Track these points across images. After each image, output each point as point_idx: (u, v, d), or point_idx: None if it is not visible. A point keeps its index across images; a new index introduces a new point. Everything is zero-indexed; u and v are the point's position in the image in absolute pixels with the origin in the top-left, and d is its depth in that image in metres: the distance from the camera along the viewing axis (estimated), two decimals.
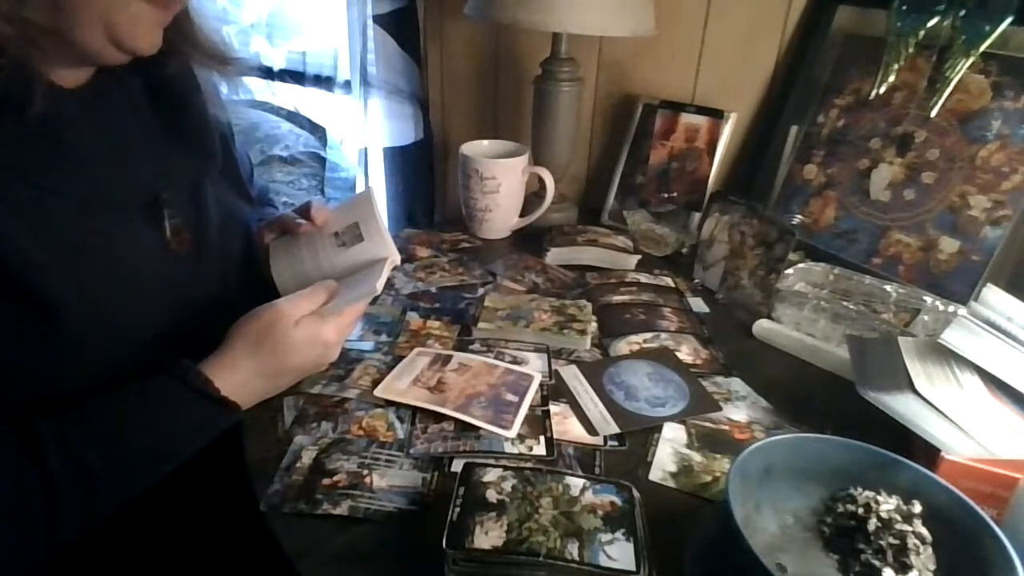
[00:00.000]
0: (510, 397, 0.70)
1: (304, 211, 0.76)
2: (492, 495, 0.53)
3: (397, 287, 0.94)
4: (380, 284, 0.66)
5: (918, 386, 0.62)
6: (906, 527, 0.46)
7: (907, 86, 0.95)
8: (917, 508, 0.48)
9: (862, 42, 0.99)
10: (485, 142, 1.15)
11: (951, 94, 0.90)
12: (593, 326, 0.86)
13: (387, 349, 0.80)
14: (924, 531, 0.47)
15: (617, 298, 0.93)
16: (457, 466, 0.61)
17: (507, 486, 0.54)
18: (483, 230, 1.13)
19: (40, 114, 0.53)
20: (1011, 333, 0.65)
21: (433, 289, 0.95)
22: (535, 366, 0.77)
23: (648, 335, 0.84)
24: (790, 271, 0.91)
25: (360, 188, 1.55)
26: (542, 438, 0.66)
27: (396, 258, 0.72)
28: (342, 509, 0.57)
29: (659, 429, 0.68)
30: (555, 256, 1.04)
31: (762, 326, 0.86)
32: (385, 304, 0.90)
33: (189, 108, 0.69)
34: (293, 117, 1.76)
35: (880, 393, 0.64)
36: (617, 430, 0.67)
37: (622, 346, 0.82)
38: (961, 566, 0.46)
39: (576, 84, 1.11)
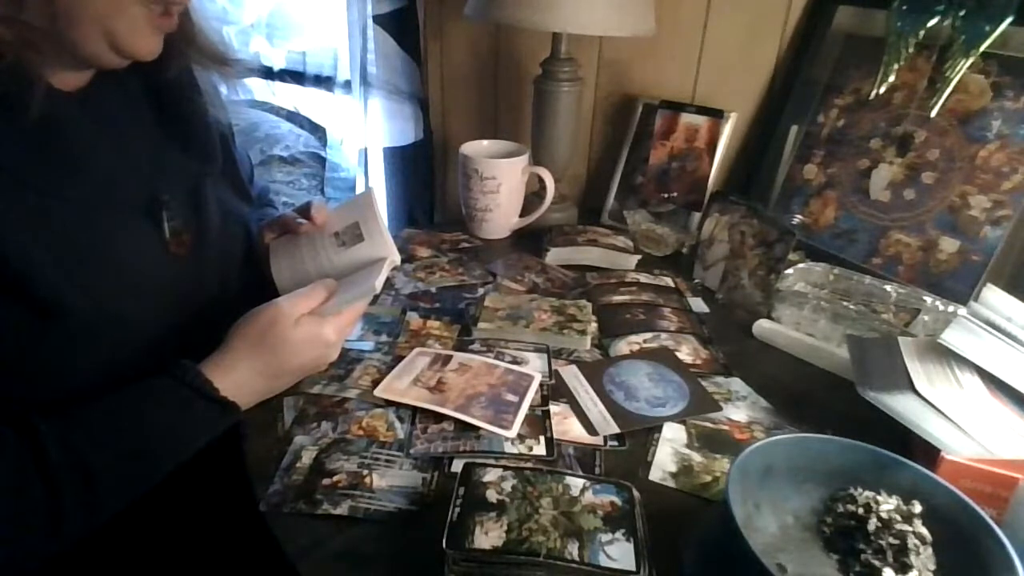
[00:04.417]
0: (510, 397, 0.70)
1: (304, 211, 0.76)
2: (492, 495, 0.53)
3: (397, 287, 0.94)
4: (379, 284, 0.66)
5: (918, 386, 0.62)
6: (906, 527, 0.46)
7: (907, 86, 0.95)
8: (917, 508, 0.48)
9: (862, 42, 0.99)
10: (485, 142, 1.15)
11: (951, 94, 0.90)
12: (593, 326, 0.86)
13: (387, 349, 0.80)
14: (924, 531, 0.47)
15: (617, 298, 0.93)
16: (457, 466, 0.61)
17: (507, 486, 0.54)
18: (483, 230, 1.13)
19: (40, 117, 0.53)
20: (1011, 333, 0.65)
21: (433, 289, 0.95)
22: (535, 366, 0.77)
23: (648, 335, 0.84)
24: (790, 271, 0.91)
25: (360, 188, 1.55)
26: (542, 438, 0.66)
27: (396, 258, 0.72)
28: (342, 509, 0.57)
29: (659, 429, 0.68)
30: (555, 256, 1.04)
31: (762, 326, 0.86)
32: (385, 304, 0.90)
33: (189, 109, 0.69)
34: (293, 117, 1.76)
35: (880, 393, 0.64)
36: (617, 430, 0.67)
37: (622, 346, 0.82)
38: (961, 566, 0.46)
39: (576, 84, 1.11)
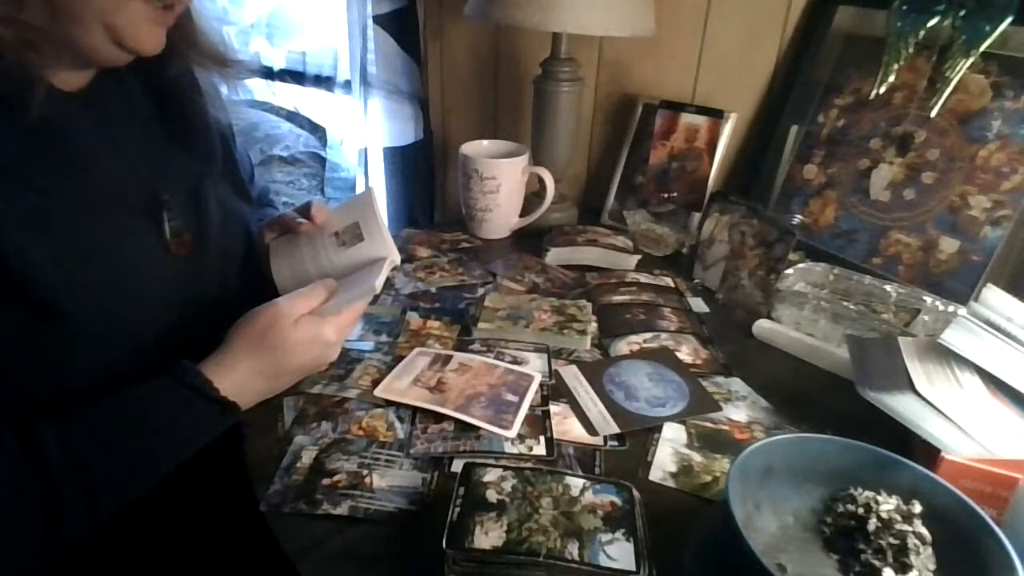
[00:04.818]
0: (510, 397, 0.70)
1: (305, 211, 0.76)
2: (492, 495, 0.53)
3: (397, 287, 0.94)
4: (379, 283, 0.66)
5: (918, 386, 0.62)
6: (906, 527, 0.46)
7: (907, 86, 0.95)
8: (917, 508, 0.48)
9: (862, 42, 0.99)
10: (485, 142, 1.15)
11: (951, 94, 0.90)
12: (593, 326, 0.86)
13: (387, 349, 0.80)
14: (924, 531, 0.47)
15: (617, 298, 0.93)
16: (457, 466, 0.61)
17: (507, 486, 0.54)
18: (483, 230, 1.13)
19: (40, 117, 0.53)
20: (1011, 333, 0.65)
21: (433, 289, 0.95)
22: (535, 366, 0.77)
23: (648, 335, 0.84)
24: (790, 271, 0.91)
25: (360, 188, 1.55)
26: (542, 438, 0.66)
27: (396, 258, 0.72)
28: (342, 509, 0.57)
29: (659, 429, 0.68)
30: (555, 256, 1.04)
31: (762, 326, 0.86)
32: (385, 304, 0.90)
33: (190, 110, 0.69)
34: (293, 117, 1.76)
35: (880, 393, 0.64)
36: (617, 430, 0.67)
37: (622, 346, 0.82)
38: (961, 566, 0.46)
39: (576, 84, 1.11)
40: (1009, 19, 0.85)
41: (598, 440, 0.67)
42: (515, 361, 0.78)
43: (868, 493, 0.49)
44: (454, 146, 1.28)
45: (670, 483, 0.62)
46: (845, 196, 1.00)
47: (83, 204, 0.58)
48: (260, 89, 1.78)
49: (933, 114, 0.92)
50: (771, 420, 0.71)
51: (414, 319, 0.86)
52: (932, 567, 0.46)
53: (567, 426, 0.68)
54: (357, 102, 1.43)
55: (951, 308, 0.81)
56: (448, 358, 0.77)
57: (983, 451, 0.58)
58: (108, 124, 0.62)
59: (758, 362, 0.81)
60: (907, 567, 0.45)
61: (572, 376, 0.76)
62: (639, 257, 1.04)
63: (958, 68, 0.88)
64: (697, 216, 1.09)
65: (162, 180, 0.65)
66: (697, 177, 1.13)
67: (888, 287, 0.87)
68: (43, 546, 0.52)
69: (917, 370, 0.65)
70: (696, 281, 1.01)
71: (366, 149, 1.50)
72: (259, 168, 1.50)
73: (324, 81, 1.62)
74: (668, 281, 1.00)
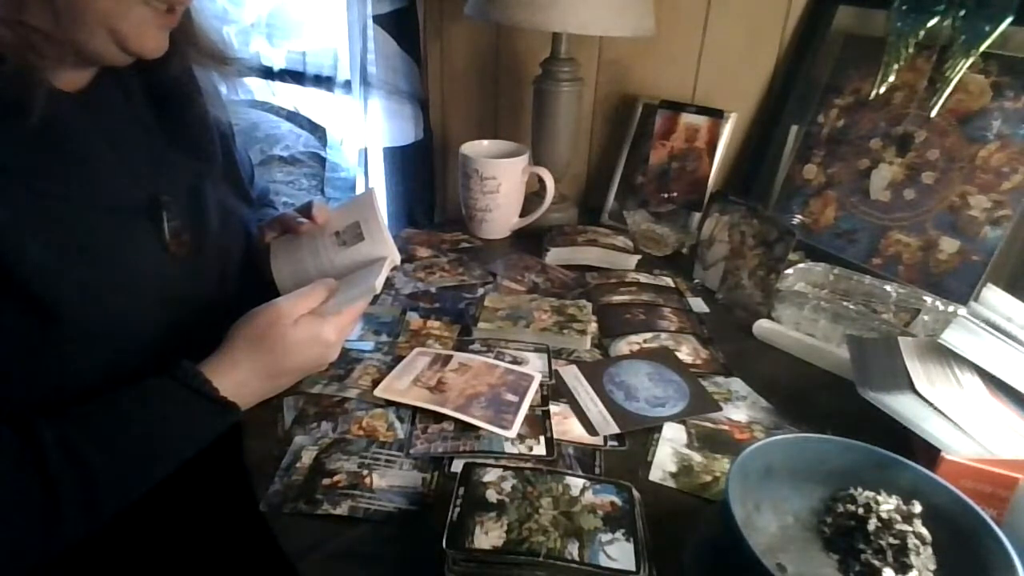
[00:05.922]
0: (510, 397, 0.70)
1: (305, 210, 0.76)
2: (492, 495, 0.53)
3: (397, 287, 0.94)
4: (379, 283, 0.66)
5: (918, 386, 0.62)
6: (906, 527, 0.46)
7: (907, 86, 0.95)
8: (917, 508, 0.48)
9: (862, 42, 0.99)
10: (485, 142, 1.15)
11: (951, 94, 0.90)
12: (593, 326, 0.86)
13: (387, 349, 0.80)
14: (924, 531, 0.47)
15: (617, 298, 0.93)
16: (457, 466, 0.61)
17: (507, 486, 0.54)
18: (483, 230, 1.13)
19: (41, 117, 0.53)
20: (1011, 333, 0.65)
21: (433, 289, 0.94)
22: (535, 366, 0.77)
23: (648, 335, 0.84)
24: (790, 271, 0.91)
25: (360, 188, 1.56)
26: (542, 438, 0.66)
27: (396, 258, 0.72)
28: (342, 509, 0.57)
29: (659, 429, 0.68)
30: (555, 256, 1.04)
31: (762, 326, 0.86)
32: (385, 304, 0.90)
33: (189, 110, 0.69)
34: (293, 117, 1.76)
35: (880, 393, 0.64)
36: (617, 430, 0.67)
37: (622, 346, 0.82)
38: (961, 566, 0.46)
39: (576, 84, 1.11)
40: (1009, 19, 0.84)
41: (598, 440, 0.67)
42: (515, 361, 0.78)
43: (868, 493, 0.49)
44: (454, 146, 1.28)
45: (670, 483, 0.62)
46: (845, 196, 1.00)
47: (82, 204, 0.58)
48: (260, 89, 1.78)
49: (933, 114, 0.92)
50: (771, 420, 0.71)
51: (414, 319, 0.86)
52: (932, 567, 0.46)
53: (567, 426, 0.68)
54: (357, 102, 1.43)
55: (951, 308, 0.81)
56: (448, 358, 0.77)
57: (983, 451, 0.58)
58: (108, 124, 0.62)
59: (758, 362, 0.81)
60: (907, 567, 0.45)
61: (572, 376, 0.76)
62: (639, 257, 1.04)
63: (958, 68, 0.88)
64: (697, 216, 1.09)
65: (161, 180, 0.65)
66: (697, 177, 1.13)
67: (888, 287, 0.87)
68: (42, 545, 0.52)
69: (917, 370, 0.65)
70: (696, 281, 1.01)
71: (366, 149, 1.50)
72: (259, 168, 1.50)
73: (324, 81, 1.62)
74: (668, 281, 1.00)
